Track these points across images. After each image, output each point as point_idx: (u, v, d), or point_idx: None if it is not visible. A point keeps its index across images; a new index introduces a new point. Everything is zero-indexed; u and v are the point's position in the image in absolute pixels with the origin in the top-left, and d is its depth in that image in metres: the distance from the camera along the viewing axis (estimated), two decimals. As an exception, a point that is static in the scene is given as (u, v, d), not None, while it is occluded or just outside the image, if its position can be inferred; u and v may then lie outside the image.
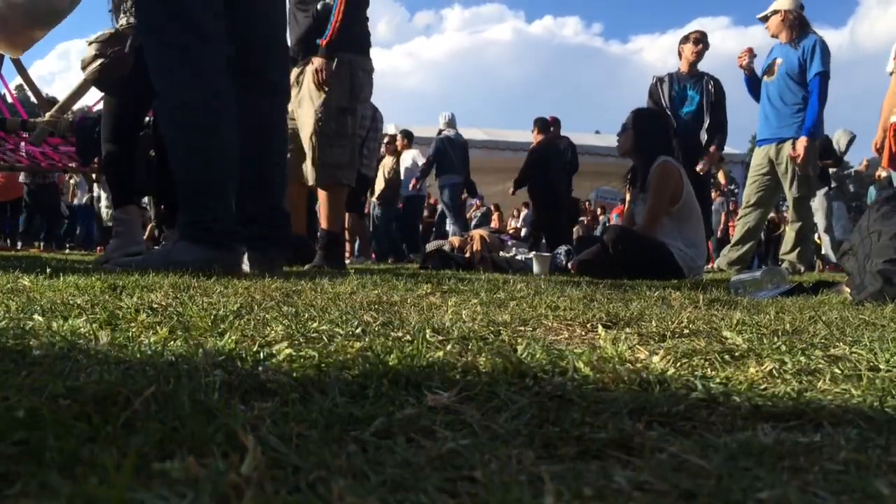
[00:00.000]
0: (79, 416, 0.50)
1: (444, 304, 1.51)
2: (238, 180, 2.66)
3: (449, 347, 0.83)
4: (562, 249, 5.13)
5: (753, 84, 5.46)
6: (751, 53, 5.43)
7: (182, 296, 1.36)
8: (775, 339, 0.97)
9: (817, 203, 8.46)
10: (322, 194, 4.12)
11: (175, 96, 2.57)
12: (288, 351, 0.78)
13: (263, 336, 0.92)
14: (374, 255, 11.11)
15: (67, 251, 10.20)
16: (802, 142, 5.02)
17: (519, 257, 5.43)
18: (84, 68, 3.65)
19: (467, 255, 5.44)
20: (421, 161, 10.46)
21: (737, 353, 0.87)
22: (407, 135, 11.10)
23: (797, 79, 5.13)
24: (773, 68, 5.28)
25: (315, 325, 1.02)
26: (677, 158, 4.40)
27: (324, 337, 0.92)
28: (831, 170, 8.81)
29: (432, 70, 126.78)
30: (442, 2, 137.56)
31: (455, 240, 5.83)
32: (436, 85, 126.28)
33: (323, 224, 4.12)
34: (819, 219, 8.36)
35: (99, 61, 3.51)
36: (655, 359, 0.82)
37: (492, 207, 15.56)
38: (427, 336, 0.93)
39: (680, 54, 5.86)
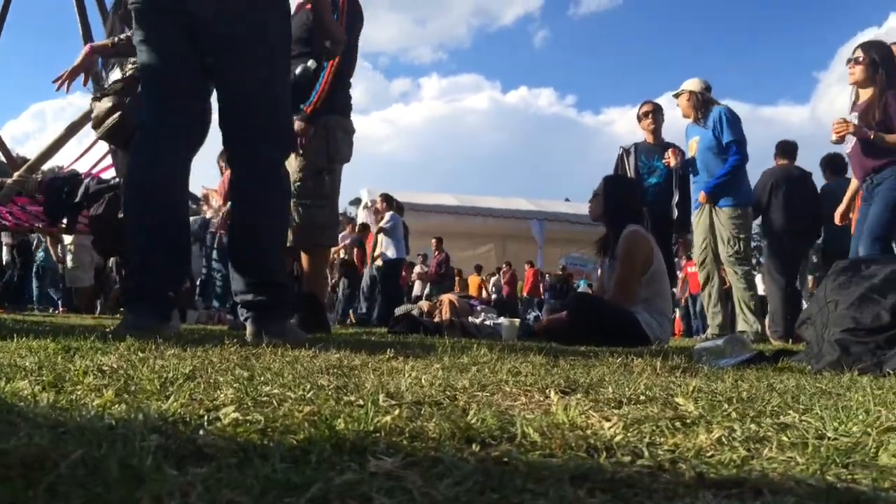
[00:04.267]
0: (2, 479, 0.49)
1: (404, 369, 1.50)
2: (175, 250, 2.69)
3: (398, 412, 0.82)
4: (531, 315, 5.14)
5: (692, 172, 5.73)
6: (676, 154, 5.65)
7: (134, 358, 1.33)
8: (727, 406, 0.98)
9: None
10: (304, 257, 4.10)
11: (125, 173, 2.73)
12: (234, 415, 0.77)
13: (212, 399, 0.90)
14: (351, 319, 11.03)
15: (26, 312, 9.97)
16: (702, 196, 5.43)
17: (488, 322, 5.42)
18: (98, 125, 3.51)
19: (436, 319, 5.42)
20: (388, 224, 10.50)
21: (688, 421, 0.87)
22: (386, 198, 11.19)
23: (717, 151, 5.42)
24: (694, 147, 5.56)
25: (267, 388, 1.01)
26: (646, 228, 4.48)
27: (274, 401, 0.90)
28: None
29: (409, 136, 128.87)
30: (420, 70, 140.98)
31: (424, 304, 5.83)
32: (412, 151, 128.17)
33: (305, 286, 4.09)
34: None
35: (118, 113, 3.39)
36: (606, 425, 0.82)
37: (455, 270, 15.59)
38: (380, 400, 0.92)
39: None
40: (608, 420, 0.86)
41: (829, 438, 0.78)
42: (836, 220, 5.16)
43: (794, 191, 6.35)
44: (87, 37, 5.38)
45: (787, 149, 6.75)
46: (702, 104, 5.59)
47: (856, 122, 4.30)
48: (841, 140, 4.41)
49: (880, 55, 4.34)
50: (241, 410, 0.81)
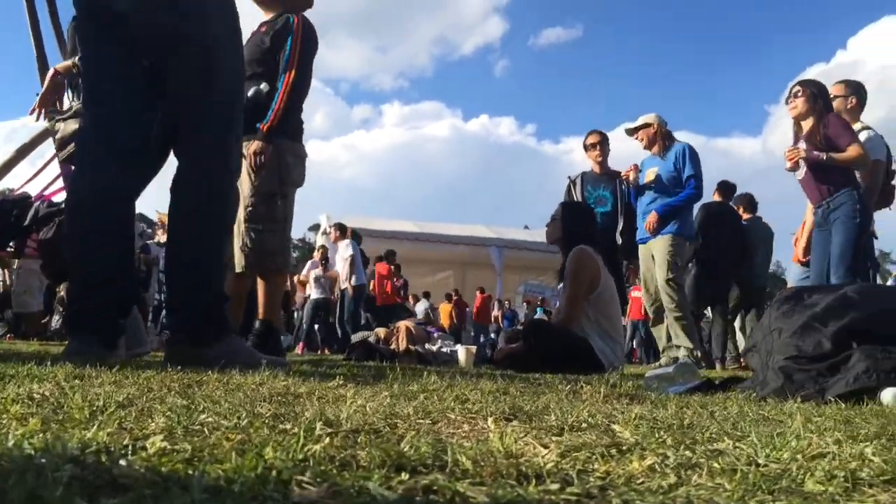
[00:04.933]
0: None
1: (350, 397, 1.48)
2: (119, 275, 2.59)
3: (330, 440, 0.81)
4: (486, 342, 5.14)
5: (638, 195, 5.87)
6: (636, 169, 5.81)
7: (67, 386, 1.29)
8: (664, 433, 0.98)
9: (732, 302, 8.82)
10: (259, 283, 4.03)
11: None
12: (161, 444, 0.75)
13: (141, 428, 0.87)
14: (302, 346, 10.91)
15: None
16: (652, 214, 5.56)
17: (445, 350, 5.40)
18: (62, 147, 3.43)
19: (392, 346, 5.39)
20: (349, 252, 10.47)
21: (624, 448, 0.87)
22: (339, 227, 11.15)
23: (673, 184, 5.58)
24: (651, 176, 5.71)
25: (203, 416, 0.98)
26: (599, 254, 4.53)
27: (206, 430, 0.88)
28: None
29: (370, 163, 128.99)
30: (381, 97, 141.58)
31: (381, 331, 5.79)
32: (373, 178, 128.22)
33: (259, 313, 4.02)
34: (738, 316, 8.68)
35: None
36: (542, 452, 0.81)
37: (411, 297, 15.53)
38: (317, 429, 0.91)
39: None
40: (546, 447, 0.86)
41: (759, 465, 0.79)
42: (800, 256, 5.40)
43: (723, 226, 6.84)
44: (42, 59, 5.28)
45: (725, 188, 7.35)
46: (666, 136, 5.77)
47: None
48: (795, 167, 4.57)
49: (818, 88, 4.55)
50: (170, 439, 0.79)
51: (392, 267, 12.69)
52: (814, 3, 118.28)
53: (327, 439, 0.81)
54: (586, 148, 6.09)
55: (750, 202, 7.49)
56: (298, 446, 0.74)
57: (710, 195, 7.09)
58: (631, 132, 5.93)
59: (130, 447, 0.74)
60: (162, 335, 8.27)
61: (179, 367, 1.97)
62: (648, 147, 5.87)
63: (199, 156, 2.63)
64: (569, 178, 6.08)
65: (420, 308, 15.87)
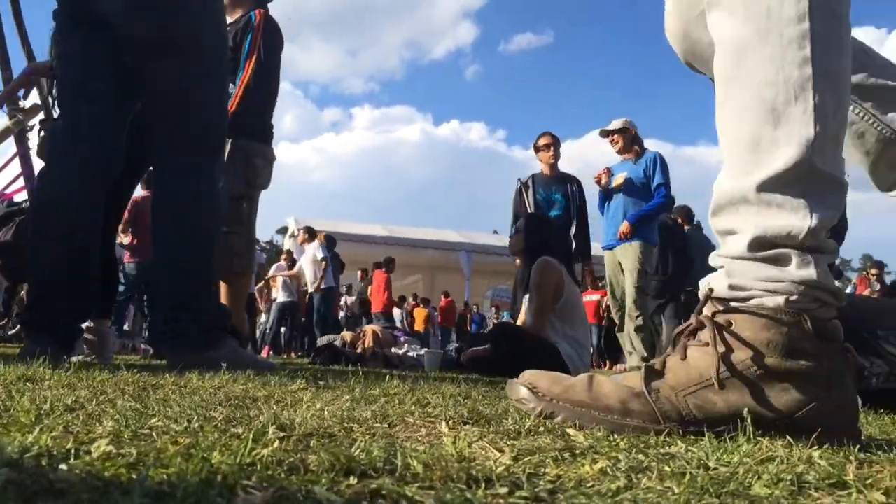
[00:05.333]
0: None
1: (309, 401, 1.47)
2: (82, 279, 2.55)
3: (279, 444, 0.80)
4: (453, 346, 5.14)
5: (605, 200, 5.93)
6: (608, 173, 5.89)
7: (14, 389, 1.26)
8: (617, 437, 0.99)
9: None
10: (222, 285, 3.99)
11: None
12: (106, 448, 0.73)
13: (87, 432, 0.85)
14: (267, 350, 10.81)
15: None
16: (625, 224, 5.50)
17: (411, 353, 5.40)
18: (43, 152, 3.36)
19: (359, 350, 5.37)
20: (321, 254, 10.44)
21: (577, 451, 0.87)
22: (308, 230, 11.12)
23: (642, 190, 5.66)
24: (620, 182, 5.79)
25: (153, 420, 0.97)
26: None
27: (154, 434, 0.87)
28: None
29: (340, 166, 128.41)
30: (351, 100, 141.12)
31: (347, 335, 5.77)
32: (343, 181, 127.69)
33: None
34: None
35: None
36: (494, 456, 0.81)
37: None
38: (269, 433, 0.89)
39: (539, 160, 6.17)
40: (500, 451, 0.86)
41: (708, 468, 0.80)
42: None
43: (674, 237, 7.08)
44: (5, 58, 5.16)
45: (680, 209, 7.70)
46: (639, 142, 5.86)
47: None
48: None
49: None
50: (116, 444, 0.77)
51: (390, 275, 12.88)
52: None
53: (277, 443, 0.80)
54: (538, 149, 6.09)
55: (688, 214, 7.76)
56: (247, 450, 0.73)
57: (685, 198, 7.26)
58: (607, 134, 5.98)
59: (73, 451, 0.72)
60: (124, 339, 8.13)
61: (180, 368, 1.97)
62: (622, 151, 5.93)
63: (177, 174, 2.60)
64: (519, 180, 6.10)
65: (397, 313, 15.92)
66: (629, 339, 5.76)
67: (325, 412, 1.26)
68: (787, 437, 1.02)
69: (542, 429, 1.10)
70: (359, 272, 13.93)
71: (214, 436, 0.86)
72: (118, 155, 2.66)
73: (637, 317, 5.63)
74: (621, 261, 5.83)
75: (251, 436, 0.79)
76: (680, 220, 7.60)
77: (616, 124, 5.97)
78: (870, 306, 2.45)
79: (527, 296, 4.63)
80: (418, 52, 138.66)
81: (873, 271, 10.95)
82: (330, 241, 11.23)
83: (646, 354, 5.60)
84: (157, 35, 2.53)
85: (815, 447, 0.99)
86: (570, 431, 1.00)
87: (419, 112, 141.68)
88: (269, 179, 4.18)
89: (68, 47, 2.60)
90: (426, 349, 5.33)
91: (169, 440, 0.80)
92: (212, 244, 2.66)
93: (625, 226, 5.69)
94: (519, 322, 4.99)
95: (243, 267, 4.48)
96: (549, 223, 5.28)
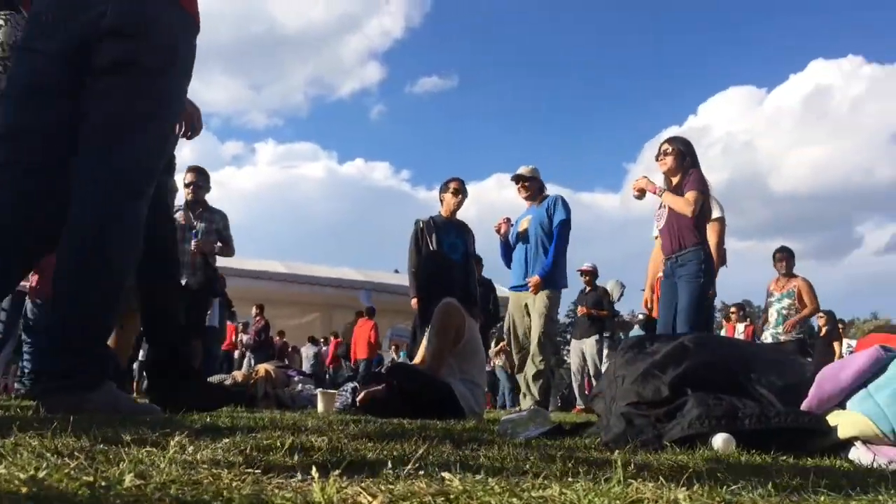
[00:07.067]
0: None
1: (176, 445, 1.38)
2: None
3: (135, 492, 0.75)
4: (348, 386, 5.05)
5: (507, 249, 6.07)
6: (508, 223, 6.03)
7: None
8: (493, 480, 0.98)
9: (588, 348, 9.21)
10: None
11: None
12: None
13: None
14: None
15: None
16: (535, 278, 5.62)
17: (304, 393, 5.26)
18: None
19: (250, 390, 5.19)
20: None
21: (451, 496, 0.86)
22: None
23: (547, 231, 5.83)
24: (525, 224, 5.95)
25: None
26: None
27: (-8, 484, 0.79)
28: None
29: (240, 200, 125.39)
30: (254, 135, 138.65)
31: (238, 374, 5.57)
32: (243, 216, 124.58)
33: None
34: (589, 364, 9.08)
35: None
36: (366, 501, 0.79)
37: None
38: (127, 480, 0.83)
39: (441, 201, 6.21)
40: (373, 496, 0.84)
41: (579, 511, 0.80)
42: (643, 307, 5.79)
43: None
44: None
45: None
46: (543, 188, 6.04)
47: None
48: (641, 195, 4.88)
49: (685, 146, 4.90)
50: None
51: (374, 322, 13.48)
52: (672, 71, 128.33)
53: (133, 491, 0.75)
54: (447, 191, 6.13)
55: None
56: (96, 499, 0.67)
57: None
58: (519, 179, 6.09)
59: None
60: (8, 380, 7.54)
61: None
62: (530, 198, 6.07)
63: (96, 206, 2.39)
64: (419, 221, 6.12)
65: (309, 352, 15.62)
66: (526, 382, 5.82)
67: (197, 457, 1.19)
68: (660, 479, 1.05)
69: (421, 472, 1.08)
70: (254, 308, 13.54)
71: (63, 484, 0.79)
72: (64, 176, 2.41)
73: (540, 361, 5.71)
74: (528, 303, 5.90)
75: (99, 486, 0.73)
76: None
77: (527, 171, 6.11)
78: (744, 350, 2.58)
79: (424, 334, 4.62)
80: (324, 90, 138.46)
81: (732, 309, 11.54)
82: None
83: (539, 399, 5.67)
84: (127, 53, 2.39)
85: (685, 487, 1.01)
86: (446, 475, 0.99)
87: (323, 149, 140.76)
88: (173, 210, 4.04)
89: (28, 40, 2.41)
90: (319, 389, 5.21)
91: (7, 487, 0.73)
92: (119, 286, 2.49)
93: (535, 280, 5.77)
94: (417, 359, 4.96)
95: (132, 305, 4.27)
96: (450, 263, 5.32)
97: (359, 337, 13.71)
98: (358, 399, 4.58)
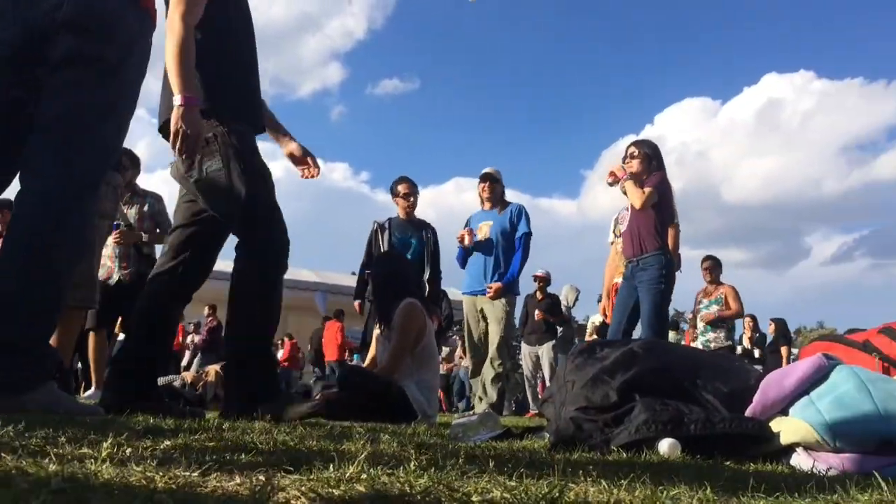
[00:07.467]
0: None
1: (111, 446, 1.34)
2: None
3: (52, 498, 0.72)
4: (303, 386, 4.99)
5: (465, 255, 6.08)
6: (471, 233, 6.05)
7: None
8: (438, 484, 0.97)
9: (544, 354, 9.27)
10: None
11: None
12: None
13: None
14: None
15: None
16: (497, 285, 5.77)
17: (256, 396, 5.19)
18: None
19: (199, 391, 5.10)
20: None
21: (390, 496, 0.85)
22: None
23: (508, 240, 5.86)
24: (485, 230, 5.96)
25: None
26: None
27: None
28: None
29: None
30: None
31: (188, 375, 5.47)
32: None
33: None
34: (546, 369, 9.14)
35: None
36: (300, 507, 0.77)
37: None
38: (52, 484, 0.80)
39: (397, 204, 6.22)
40: (312, 501, 0.82)
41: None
42: (602, 314, 5.85)
43: None
44: None
45: None
46: (503, 193, 6.06)
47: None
48: (615, 181, 4.89)
49: (651, 149, 4.95)
50: None
51: (342, 324, 13.49)
52: (630, 81, 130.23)
53: (51, 497, 0.72)
54: (400, 195, 6.11)
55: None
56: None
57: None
58: (486, 178, 6.10)
59: None
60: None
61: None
62: (490, 201, 6.08)
63: (43, 199, 2.31)
64: (375, 222, 6.10)
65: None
66: (483, 385, 5.83)
67: (133, 458, 1.16)
68: (602, 483, 1.05)
69: (364, 476, 1.07)
70: (206, 308, 13.29)
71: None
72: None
73: (499, 364, 5.73)
74: (483, 307, 5.92)
75: (18, 491, 0.70)
76: None
77: (495, 172, 6.13)
78: (691, 357, 2.61)
79: (376, 332, 4.60)
80: (284, 89, 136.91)
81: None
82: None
83: (495, 401, 5.68)
84: (83, 46, 2.33)
85: (628, 491, 1.02)
86: (386, 479, 0.97)
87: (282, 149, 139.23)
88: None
89: None
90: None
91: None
92: (67, 284, 2.40)
93: (497, 286, 5.79)
94: (368, 358, 4.93)
95: (81, 300, 4.15)
96: (405, 261, 5.30)
97: (328, 340, 13.69)
98: (314, 403, 4.53)
